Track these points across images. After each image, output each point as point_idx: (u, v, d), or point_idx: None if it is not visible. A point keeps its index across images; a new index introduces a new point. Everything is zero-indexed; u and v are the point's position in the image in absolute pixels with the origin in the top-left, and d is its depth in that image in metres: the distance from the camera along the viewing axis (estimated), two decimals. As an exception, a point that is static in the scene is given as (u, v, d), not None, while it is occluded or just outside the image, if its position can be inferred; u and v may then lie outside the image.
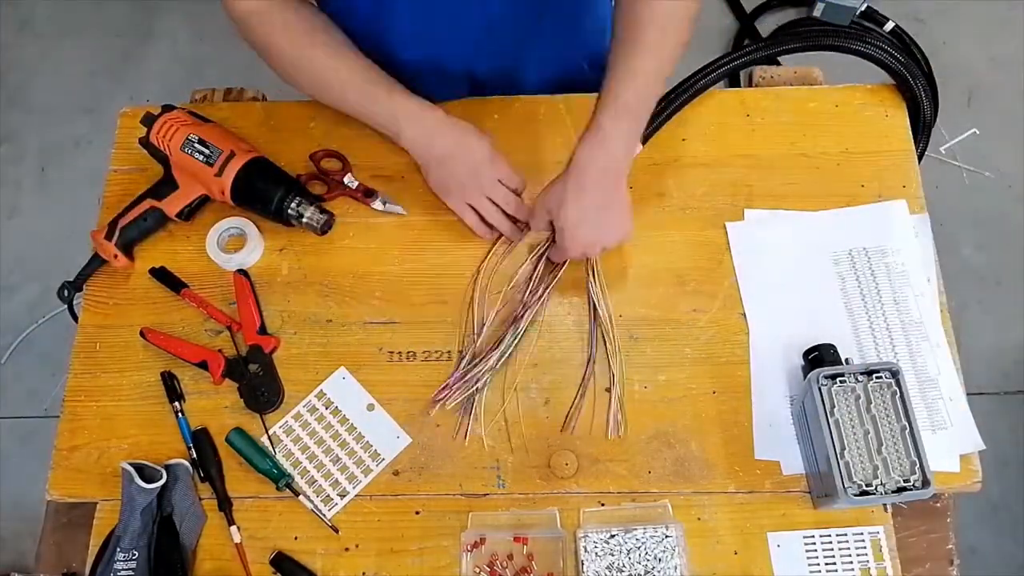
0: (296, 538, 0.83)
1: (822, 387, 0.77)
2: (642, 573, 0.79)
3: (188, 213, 0.94)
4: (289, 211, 0.91)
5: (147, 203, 0.94)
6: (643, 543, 0.80)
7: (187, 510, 0.83)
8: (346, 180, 0.96)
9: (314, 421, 0.88)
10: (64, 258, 1.99)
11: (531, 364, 0.89)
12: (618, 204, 0.85)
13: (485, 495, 0.84)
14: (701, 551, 0.81)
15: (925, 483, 0.73)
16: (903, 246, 0.91)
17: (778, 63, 1.61)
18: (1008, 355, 1.83)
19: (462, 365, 0.87)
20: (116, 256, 0.93)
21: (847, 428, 0.76)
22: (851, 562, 0.80)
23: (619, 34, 0.83)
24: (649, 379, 0.88)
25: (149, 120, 0.93)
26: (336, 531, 0.83)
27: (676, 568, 0.79)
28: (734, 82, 2.04)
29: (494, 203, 0.91)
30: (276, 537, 0.83)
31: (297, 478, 0.85)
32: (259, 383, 0.88)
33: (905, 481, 0.74)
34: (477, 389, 0.86)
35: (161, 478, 0.82)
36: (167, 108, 0.95)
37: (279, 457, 0.86)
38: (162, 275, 0.94)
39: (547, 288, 0.90)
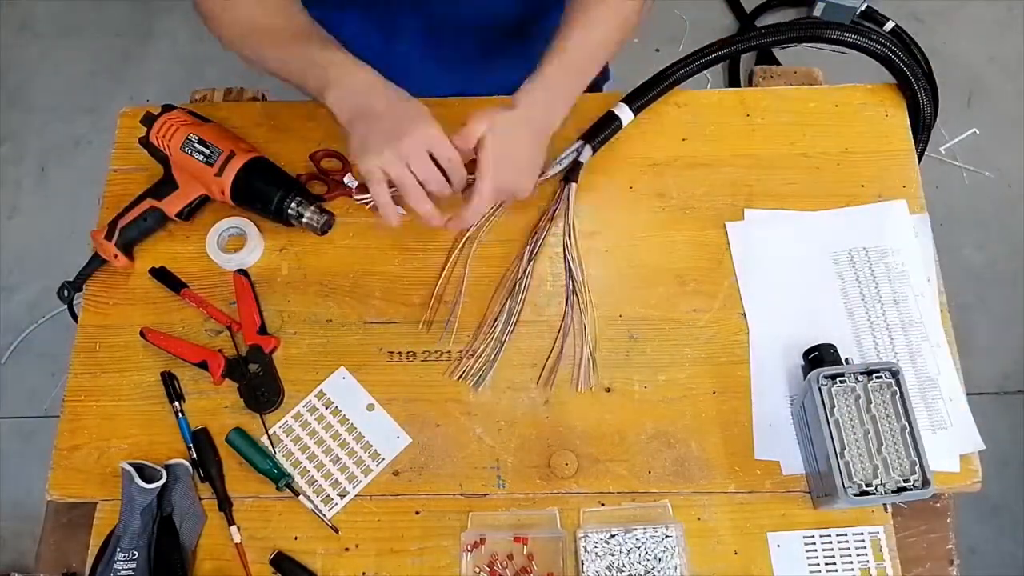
0: (296, 538, 0.83)
1: (822, 387, 0.77)
2: (642, 573, 0.79)
3: (188, 213, 0.94)
4: (289, 211, 0.91)
5: (147, 203, 0.94)
6: (643, 543, 0.80)
7: (187, 510, 0.83)
8: (346, 180, 0.96)
9: (314, 421, 0.88)
10: (64, 258, 2.00)
11: (531, 364, 0.89)
12: (538, 155, 0.85)
13: (485, 495, 0.84)
14: (701, 551, 0.81)
15: (925, 483, 0.73)
16: (903, 246, 0.91)
17: (778, 63, 1.61)
18: (1008, 355, 1.83)
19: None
20: (116, 256, 0.93)
21: (847, 428, 0.76)
22: (851, 562, 0.80)
23: (576, 10, 0.85)
24: (649, 379, 0.88)
25: (149, 120, 0.93)
26: (336, 531, 0.83)
27: (676, 568, 0.79)
28: (734, 82, 2.04)
29: (415, 176, 0.77)
30: (276, 537, 0.83)
31: (297, 478, 0.85)
32: (259, 383, 0.88)
33: (905, 481, 0.74)
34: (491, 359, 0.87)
35: (161, 478, 0.82)
36: (167, 108, 0.95)
37: (279, 457, 0.86)
38: (162, 275, 0.94)
39: (532, 254, 0.91)
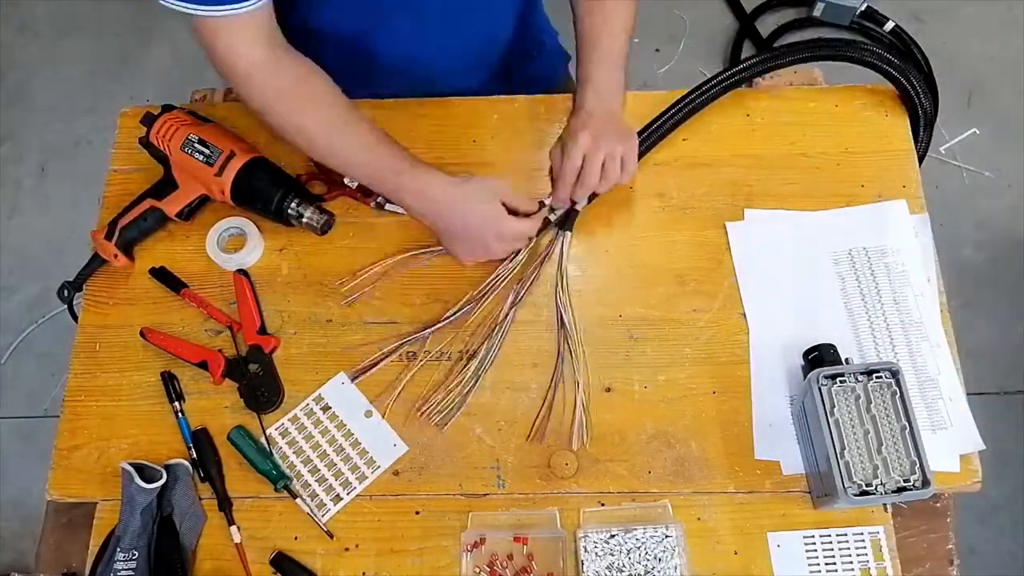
0: (296, 538, 0.83)
1: (822, 387, 0.77)
2: (642, 573, 0.79)
3: (188, 213, 0.94)
4: (289, 211, 0.91)
5: (147, 203, 0.94)
6: (643, 543, 0.80)
7: (187, 510, 0.83)
8: (346, 180, 0.96)
9: (311, 425, 0.87)
10: (64, 258, 2.01)
11: (531, 364, 0.89)
12: (623, 120, 0.89)
13: (485, 495, 0.84)
14: (701, 551, 0.81)
15: (925, 483, 0.73)
16: (903, 246, 0.91)
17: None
18: (1008, 355, 1.83)
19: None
20: (116, 256, 0.93)
21: (847, 428, 0.76)
22: (851, 562, 0.80)
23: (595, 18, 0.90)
24: (649, 379, 0.88)
25: (149, 120, 0.93)
26: (331, 536, 0.83)
27: (676, 568, 0.79)
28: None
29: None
30: (276, 537, 0.83)
31: (294, 481, 0.85)
32: (259, 383, 0.88)
33: (905, 481, 0.74)
34: (464, 396, 0.87)
35: (161, 478, 0.82)
36: (167, 108, 0.95)
37: (277, 459, 0.86)
38: (162, 275, 0.94)
39: (515, 303, 0.91)
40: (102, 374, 0.91)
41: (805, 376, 0.82)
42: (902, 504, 0.83)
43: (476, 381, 0.87)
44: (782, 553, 0.80)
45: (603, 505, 0.83)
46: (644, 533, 0.80)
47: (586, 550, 0.80)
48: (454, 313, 0.90)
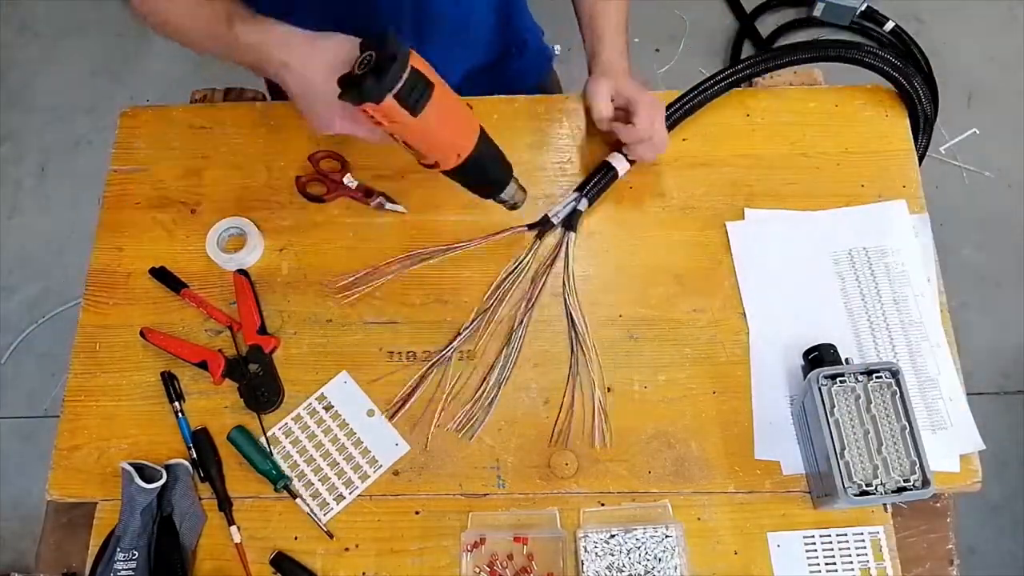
0: (296, 538, 0.83)
1: (822, 387, 0.77)
2: (642, 573, 0.79)
3: None
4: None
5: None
6: (643, 543, 0.80)
7: (187, 510, 0.83)
8: (345, 180, 0.96)
9: (314, 424, 0.88)
10: (64, 258, 2.02)
11: (531, 364, 0.89)
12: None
13: (485, 495, 0.84)
14: (701, 551, 0.81)
15: (925, 483, 0.73)
16: (903, 246, 0.91)
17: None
18: (1008, 355, 1.83)
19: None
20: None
21: (847, 428, 0.76)
22: (851, 562, 0.80)
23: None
24: (649, 379, 0.88)
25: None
26: (331, 536, 0.83)
27: (676, 568, 0.79)
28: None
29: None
30: (276, 537, 0.83)
31: (295, 480, 0.85)
32: (259, 383, 0.88)
33: (905, 481, 0.74)
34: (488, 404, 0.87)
35: (161, 478, 0.82)
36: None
37: (277, 458, 0.86)
38: (162, 275, 0.94)
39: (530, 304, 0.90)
40: (102, 374, 0.91)
41: (805, 376, 0.82)
42: (902, 504, 0.83)
43: (498, 389, 0.87)
44: (782, 553, 0.80)
45: (603, 505, 0.83)
46: (644, 533, 0.80)
47: (586, 550, 0.80)
48: (468, 326, 0.90)
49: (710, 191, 0.96)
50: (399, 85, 0.68)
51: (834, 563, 0.80)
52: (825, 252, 0.92)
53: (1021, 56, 2.13)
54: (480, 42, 1.06)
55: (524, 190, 0.85)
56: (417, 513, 0.84)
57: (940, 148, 2.04)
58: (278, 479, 0.83)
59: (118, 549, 0.80)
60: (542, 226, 0.94)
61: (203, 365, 0.88)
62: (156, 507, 0.82)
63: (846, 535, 0.81)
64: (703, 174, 0.97)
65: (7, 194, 2.15)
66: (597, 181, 0.94)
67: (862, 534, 0.81)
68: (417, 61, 0.70)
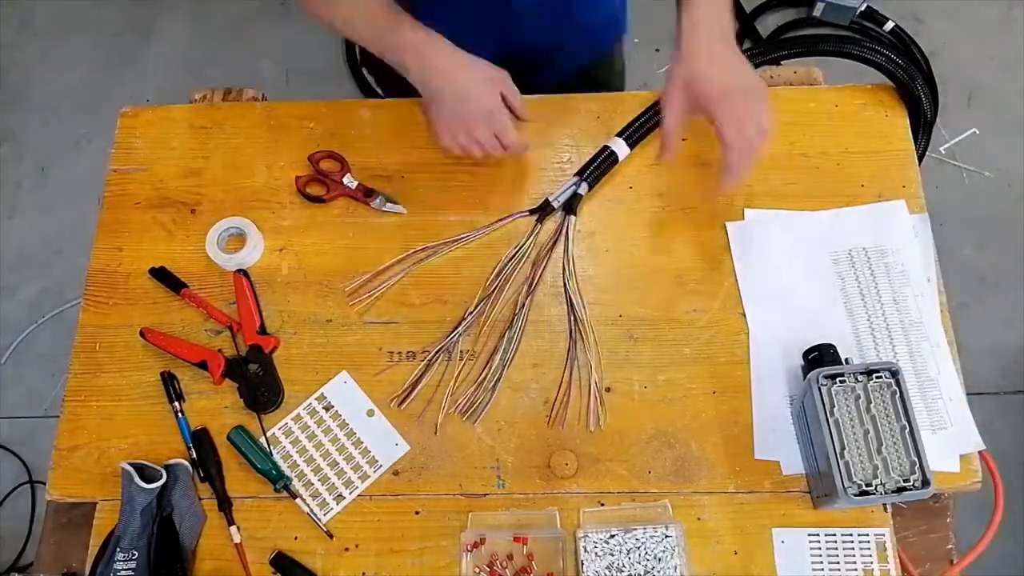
0: (296, 538, 0.83)
1: (822, 387, 0.77)
2: (642, 573, 0.79)
3: None
4: None
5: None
6: (643, 543, 0.80)
7: (187, 510, 0.83)
8: (345, 180, 0.96)
9: (314, 424, 0.88)
10: (64, 258, 2.02)
11: (531, 364, 0.89)
12: (743, 58, 0.84)
13: (485, 495, 0.84)
14: (701, 551, 0.81)
15: (925, 483, 0.73)
16: (903, 246, 0.91)
17: (777, 63, 1.60)
18: (1008, 355, 1.84)
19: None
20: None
21: (847, 428, 0.76)
22: (854, 562, 0.80)
23: None
24: (649, 379, 0.88)
25: None
26: (331, 536, 0.83)
27: (676, 568, 0.79)
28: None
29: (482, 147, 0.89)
30: (276, 537, 0.83)
31: (295, 480, 0.85)
32: (259, 383, 0.88)
33: (905, 481, 0.74)
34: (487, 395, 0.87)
35: (161, 478, 0.82)
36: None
37: (277, 459, 0.86)
38: (162, 275, 0.94)
39: (531, 287, 0.91)
40: (102, 374, 0.91)
41: (805, 376, 0.82)
42: (902, 504, 0.84)
43: (502, 371, 0.88)
44: (786, 549, 0.80)
45: (603, 505, 0.83)
46: (644, 533, 0.80)
47: (586, 550, 0.80)
48: (472, 311, 0.90)
49: (710, 191, 0.96)
50: None
51: (837, 562, 0.80)
52: (825, 252, 0.92)
53: (1021, 56, 2.13)
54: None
55: None
56: (417, 513, 0.84)
57: (940, 148, 2.04)
58: (278, 479, 0.83)
59: (118, 549, 0.80)
60: (542, 211, 0.94)
61: (203, 365, 0.88)
62: (156, 507, 0.82)
63: (851, 535, 0.81)
64: (703, 174, 0.97)
65: (7, 194, 2.15)
66: (597, 165, 0.95)
67: (867, 535, 0.80)
68: None
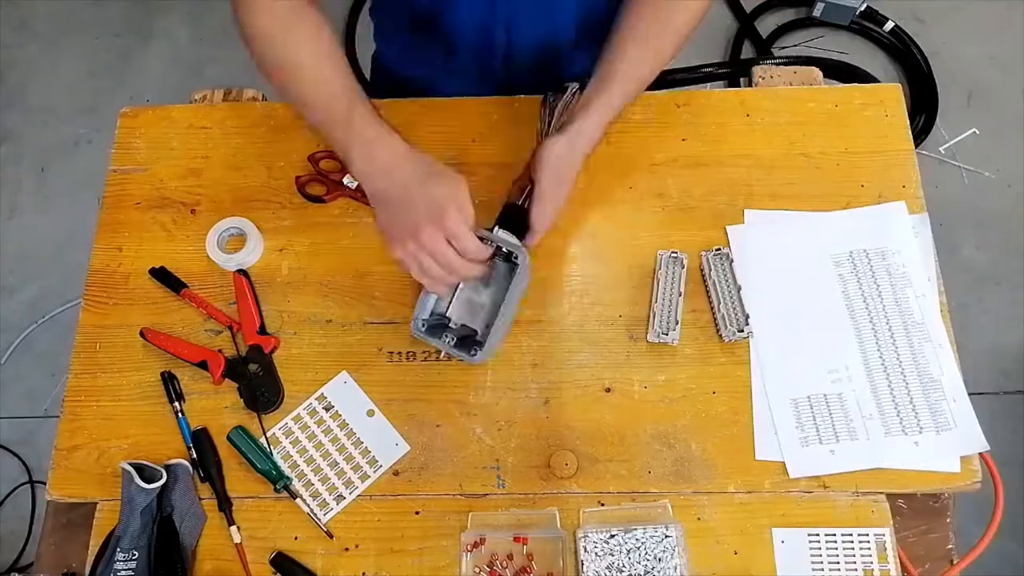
0: (296, 538, 0.83)
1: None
2: (642, 573, 0.79)
3: None
4: None
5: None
6: (643, 543, 0.80)
7: (187, 510, 0.83)
8: (345, 180, 0.96)
9: (314, 424, 0.88)
10: (64, 258, 2.02)
11: (531, 364, 0.89)
12: (576, 169, 0.87)
13: (485, 495, 0.84)
14: (701, 551, 0.81)
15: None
16: (903, 247, 0.91)
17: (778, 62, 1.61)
18: (1008, 355, 1.84)
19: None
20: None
21: None
22: (854, 562, 0.80)
23: (626, 30, 0.86)
24: (649, 379, 0.88)
25: None
26: (331, 536, 0.83)
27: (676, 568, 0.79)
28: (734, 82, 2.04)
29: (436, 264, 0.78)
30: (276, 537, 0.83)
31: (295, 481, 0.85)
32: (259, 383, 0.88)
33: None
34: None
35: (161, 478, 0.82)
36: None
37: (277, 459, 0.86)
38: (162, 275, 0.94)
39: None
40: (102, 374, 0.91)
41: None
42: (902, 504, 0.84)
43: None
44: (786, 549, 0.80)
45: (603, 505, 0.83)
46: (644, 533, 0.80)
47: (586, 550, 0.80)
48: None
49: (710, 191, 0.96)
50: None
51: (837, 562, 0.80)
52: (826, 254, 0.92)
53: (1021, 56, 2.13)
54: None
55: None
56: (417, 513, 0.84)
57: (940, 148, 2.04)
58: (278, 479, 0.83)
59: (118, 549, 0.80)
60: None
61: (203, 365, 0.88)
62: (156, 507, 0.82)
63: (851, 535, 0.81)
64: (703, 174, 0.97)
65: (7, 194, 2.15)
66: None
67: (867, 535, 0.80)
68: None
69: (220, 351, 0.89)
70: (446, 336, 0.84)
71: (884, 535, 0.80)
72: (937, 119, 2.05)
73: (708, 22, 2.40)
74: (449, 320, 0.86)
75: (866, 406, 0.85)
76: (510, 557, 0.81)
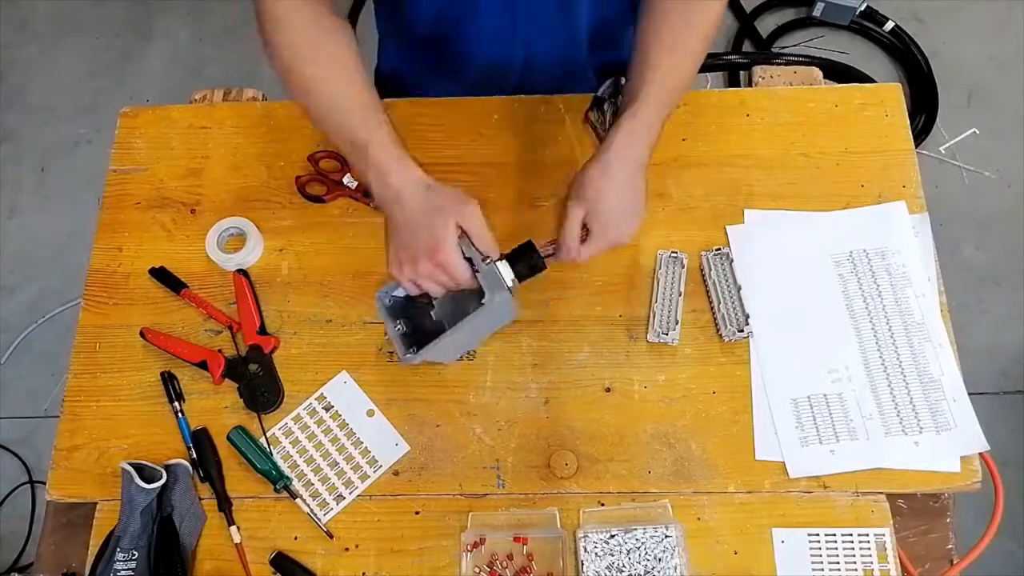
0: (296, 538, 0.83)
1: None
2: (642, 573, 0.79)
3: None
4: None
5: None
6: (643, 543, 0.80)
7: (187, 510, 0.83)
8: (345, 180, 0.96)
9: (314, 424, 0.88)
10: (64, 258, 2.02)
11: (531, 364, 0.89)
12: (642, 189, 0.82)
13: (485, 495, 0.84)
14: (701, 551, 0.81)
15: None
16: (903, 247, 0.91)
17: (778, 61, 1.61)
18: (1008, 355, 1.83)
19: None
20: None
21: None
22: (854, 562, 0.80)
23: (661, 33, 0.83)
24: (649, 379, 0.88)
25: None
26: (331, 536, 0.83)
27: (676, 568, 0.79)
28: (734, 82, 2.04)
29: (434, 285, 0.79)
30: (276, 537, 0.83)
31: (295, 481, 0.85)
32: (259, 383, 0.88)
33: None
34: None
35: (161, 478, 0.82)
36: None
37: (277, 459, 0.86)
38: (162, 275, 0.94)
39: None
40: (102, 374, 0.91)
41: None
42: (902, 504, 0.84)
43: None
44: (786, 549, 0.80)
45: (603, 505, 0.83)
46: (644, 533, 0.80)
47: (586, 550, 0.80)
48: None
49: (710, 191, 0.96)
50: None
51: (837, 562, 0.80)
52: (826, 253, 0.92)
53: (1021, 56, 2.13)
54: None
55: None
56: (417, 513, 0.84)
57: (940, 148, 2.04)
58: (278, 479, 0.83)
59: (118, 549, 0.80)
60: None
61: (203, 365, 0.88)
62: (156, 507, 0.82)
63: (851, 535, 0.81)
64: (703, 174, 0.97)
65: (7, 194, 2.15)
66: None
67: (867, 535, 0.80)
68: None
69: (220, 351, 0.89)
70: (399, 322, 0.81)
71: (884, 535, 0.80)
72: (937, 119, 2.05)
73: (708, 22, 2.37)
74: (432, 308, 0.84)
75: (866, 406, 0.85)
76: (510, 557, 0.81)
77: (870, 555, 0.80)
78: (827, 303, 0.90)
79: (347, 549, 0.83)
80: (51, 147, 2.19)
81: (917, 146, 1.01)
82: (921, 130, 2.04)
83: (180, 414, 0.87)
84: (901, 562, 0.80)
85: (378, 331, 0.91)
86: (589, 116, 0.97)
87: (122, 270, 0.95)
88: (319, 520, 0.83)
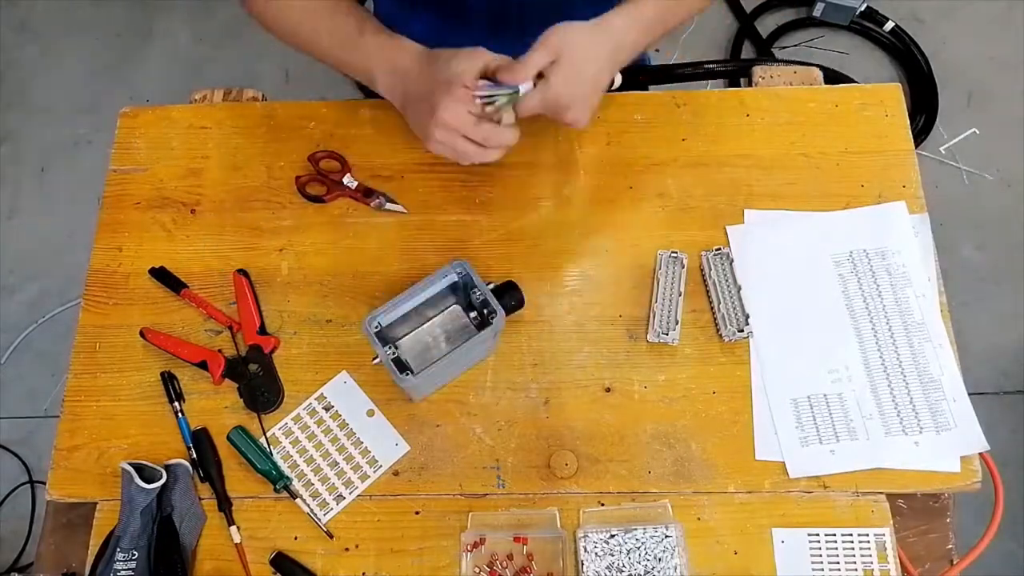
0: (296, 538, 0.83)
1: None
2: (642, 573, 0.79)
3: None
4: None
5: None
6: (643, 543, 0.80)
7: (187, 510, 0.83)
8: (345, 180, 0.96)
9: (313, 424, 0.88)
10: (64, 258, 2.02)
11: (531, 364, 0.89)
12: (609, 71, 0.82)
13: (485, 495, 0.84)
14: (701, 551, 0.81)
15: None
16: (903, 247, 0.91)
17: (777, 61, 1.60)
18: (1008, 355, 1.84)
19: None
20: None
21: None
22: (854, 562, 0.80)
23: None
24: (649, 379, 0.88)
25: None
26: (331, 536, 0.83)
27: (676, 568, 0.79)
28: (734, 82, 2.04)
29: (471, 140, 0.79)
30: (276, 537, 0.83)
31: (295, 481, 0.85)
32: (259, 383, 0.88)
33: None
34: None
35: (161, 478, 0.82)
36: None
37: (277, 459, 0.86)
38: (162, 275, 0.94)
39: None
40: (102, 374, 0.91)
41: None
42: (902, 504, 0.84)
43: None
44: (786, 549, 0.80)
45: (603, 505, 0.83)
46: (644, 533, 0.80)
47: (586, 550, 0.80)
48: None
49: (710, 191, 0.96)
50: None
51: (837, 562, 0.80)
52: (826, 253, 0.92)
53: (1021, 56, 2.13)
54: None
55: None
56: (417, 513, 0.84)
57: (940, 148, 2.05)
58: (278, 479, 0.83)
59: (118, 549, 0.80)
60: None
61: (203, 365, 0.88)
62: (156, 507, 0.82)
63: (851, 535, 0.81)
64: (703, 174, 0.97)
65: (7, 194, 2.15)
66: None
67: (867, 535, 0.80)
68: None
69: (220, 351, 0.89)
70: (389, 347, 0.81)
71: (884, 535, 0.80)
72: (937, 119, 2.05)
73: (708, 22, 2.41)
74: (396, 347, 0.85)
75: (866, 406, 0.85)
76: (510, 557, 0.81)
77: (870, 555, 0.80)
78: (827, 303, 0.90)
79: (347, 549, 0.83)
80: (51, 147, 2.20)
81: (917, 146, 1.01)
82: (921, 130, 2.04)
83: (180, 414, 0.87)
84: (901, 562, 0.80)
85: (378, 331, 0.91)
86: None
87: (122, 270, 0.95)
88: (319, 520, 0.83)
